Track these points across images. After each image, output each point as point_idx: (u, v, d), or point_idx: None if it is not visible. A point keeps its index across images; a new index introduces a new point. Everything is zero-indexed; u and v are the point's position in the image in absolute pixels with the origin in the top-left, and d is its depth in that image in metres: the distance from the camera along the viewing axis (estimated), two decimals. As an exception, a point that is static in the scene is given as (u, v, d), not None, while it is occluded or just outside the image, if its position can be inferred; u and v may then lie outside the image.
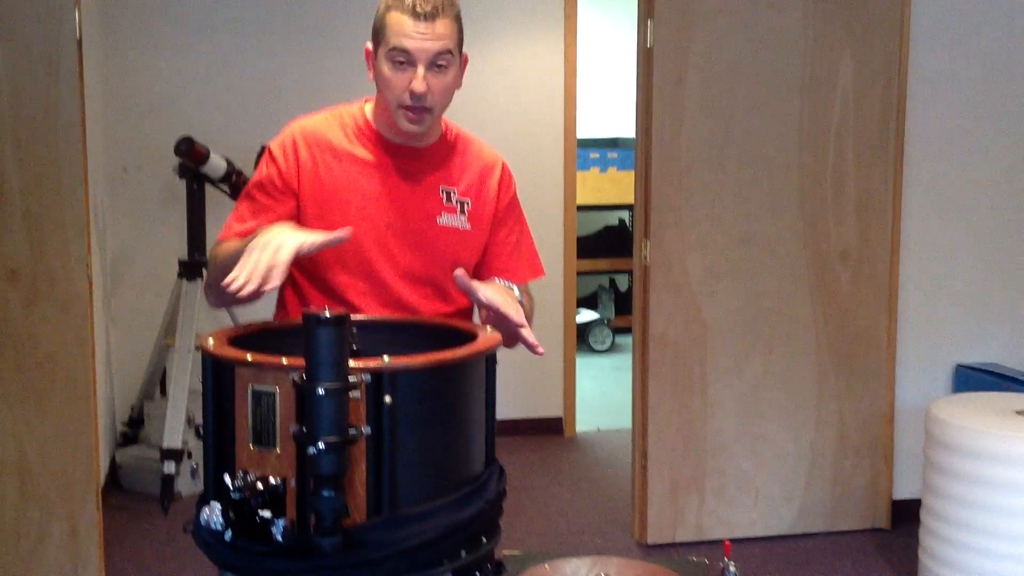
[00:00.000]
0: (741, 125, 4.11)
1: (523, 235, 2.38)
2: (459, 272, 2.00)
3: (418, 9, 2.06)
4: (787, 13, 4.07)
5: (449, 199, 2.26)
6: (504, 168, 2.35)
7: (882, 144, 4.20)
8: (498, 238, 2.32)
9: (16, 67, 3.55)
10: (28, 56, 3.55)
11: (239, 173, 4.87)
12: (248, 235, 2.12)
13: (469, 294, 2.01)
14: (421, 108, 2.12)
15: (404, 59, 2.09)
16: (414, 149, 2.25)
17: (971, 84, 4.34)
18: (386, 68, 2.12)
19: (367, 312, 2.16)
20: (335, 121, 2.26)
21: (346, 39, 5.23)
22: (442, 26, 2.08)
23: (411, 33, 2.07)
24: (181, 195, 4.93)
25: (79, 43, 3.60)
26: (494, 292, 2.01)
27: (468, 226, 2.27)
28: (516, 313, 1.98)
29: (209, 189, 4.89)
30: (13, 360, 3.61)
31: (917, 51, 4.24)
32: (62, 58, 3.56)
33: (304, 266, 2.21)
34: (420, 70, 2.09)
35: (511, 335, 1.98)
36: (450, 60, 2.13)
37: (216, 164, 4.79)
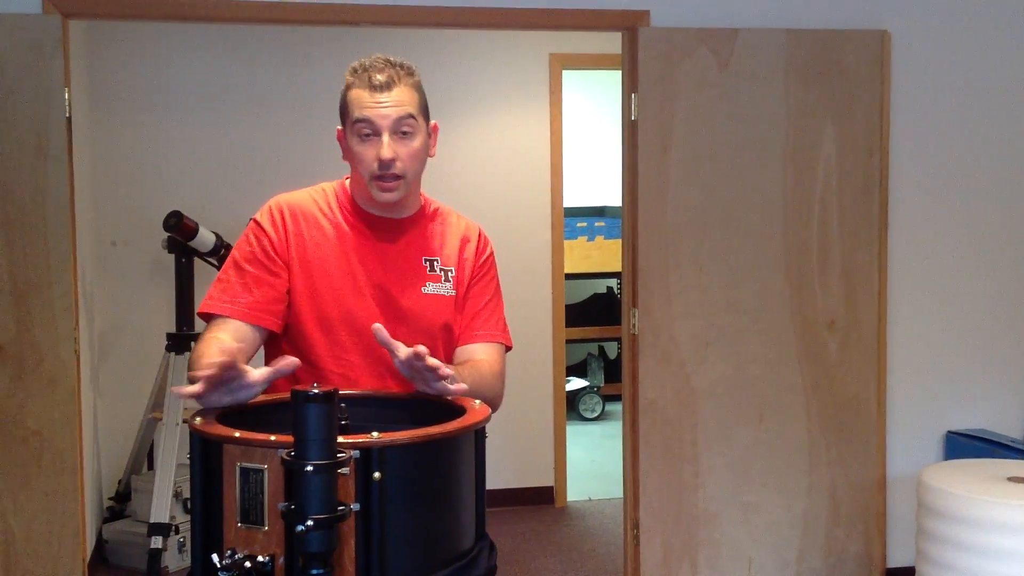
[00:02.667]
0: (726, 195, 4.15)
1: (495, 300, 2.38)
2: (377, 325, 1.98)
3: (373, 81, 2.14)
4: (768, 85, 4.13)
5: (432, 268, 2.29)
6: (481, 233, 2.39)
7: (866, 213, 4.24)
8: (470, 294, 2.33)
9: (6, 145, 3.58)
10: (18, 134, 3.58)
11: (228, 247, 4.88)
12: (249, 310, 2.14)
13: (387, 348, 1.97)
14: (392, 176, 2.16)
15: (369, 130, 2.15)
16: (395, 221, 2.28)
17: (952, 153, 4.39)
18: (354, 142, 2.18)
19: (360, 382, 2.16)
20: (318, 196, 2.29)
21: (331, 113, 5.28)
22: (399, 93, 2.15)
23: (370, 104, 2.14)
24: (169, 269, 4.94)
25: (68, 121, 3.63)
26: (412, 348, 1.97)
27: (453, 292, 2.30)
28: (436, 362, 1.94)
29: (197, 263, 4.90)
30: (-1, 436, 3.59)
31: (898, 122, 4.29)
32: (51, 136, 3.59)
33: (294, 342, 2.21)
34: (385, 137, 2.14)
35: (425, 383, 1.96)
36: (414, 125, 2.17)
37: (205, 238, 4.80)
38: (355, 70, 2.19)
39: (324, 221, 2.25)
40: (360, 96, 2.15)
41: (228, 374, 1.76)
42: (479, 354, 2.29)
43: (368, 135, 2.15)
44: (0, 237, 3.58)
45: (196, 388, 1.75)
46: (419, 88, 2.21)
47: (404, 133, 2.16)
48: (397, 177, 2.17)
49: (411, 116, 2.16)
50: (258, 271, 2.19)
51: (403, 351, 1.94)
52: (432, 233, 2.32)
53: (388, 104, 2.13)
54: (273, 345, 2.25)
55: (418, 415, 1.89)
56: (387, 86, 2.14)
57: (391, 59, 2.18)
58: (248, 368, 1.80)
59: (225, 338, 2.08)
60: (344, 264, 2.22)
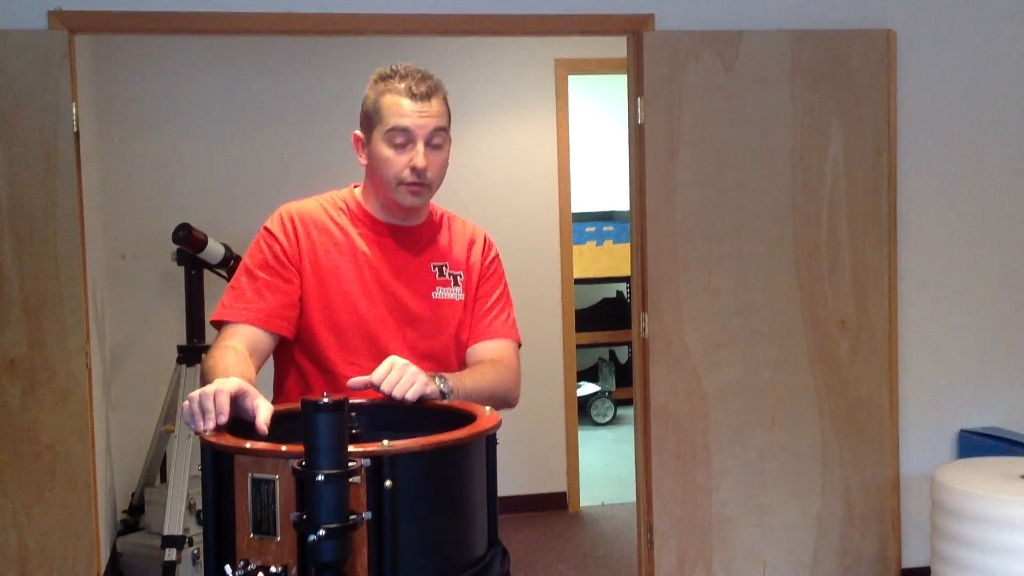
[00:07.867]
0: (734, 197, 4.14)
1: (503, 298, 2.40)
2: (352, 381, 1.98)
3: (414, 90, 2.17)
4: (775, 87, 4.13)
5: (442, 273, 2.32)
6: (486, 237, 2.43)
7: (875, 213, 4.23)
8: (479, 295, 2.37)
9: (15, 161, 3.59)
10: (27, 150, 3.59)
11: (237, 258, 4.89)
12: (261, 315, 2.15)
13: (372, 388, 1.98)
14: (421, 183, 2.19)
15: (404, 139, 2.17)
16: (405, 229, 2.31)
17: (960, 151, 4.38)
18: (385, 149, 2.19)
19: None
20: (327, 204, 2.31)
21: (338, 123, 5.30)
22: (436, 105, 2.19)
23: (409, 112, 2.16)
24: (179, 281, 4.94)
25: (76, 136, 3.64)
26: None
27: (462, 296, 2.33)
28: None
29: (207, 275, 4.91)
30: (12, 450, 3.60)
31: (905, 121, 4.28)
32: (60, 151, 3.60)
33: (307, 348, 2.23)
34: (420, 146, 2.17)
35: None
36: (444, 138, 2.22)
37: (214, 250, 4.81)
38: (386, 77, 2.20)
39: (334, 228, 2.26)
40: (397, 103, 2.17)
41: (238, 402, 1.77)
42: (491, 352, 2.31)
43: (402, 144, 2.18)
44: (10, 252, 3.59)
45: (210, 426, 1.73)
46: (447, 101, 2.25)
47: (436, 145, 2.20)
48: (425, 184, 2.20)
49: (445, 129, 2.21)
50: (270, 277, 2.20)
51: (362, 381, 1.97)
52: (441, 239, 2.35)
53: (427, 114, 2.17)
54: (285, 352, 2.26)
55: (429, 422, 1.89)
56: (427, 96, 2.17)
57: (423, 70, 2.21)
58: (255, 392, 1.80)
59: (238, 346, 2.09)
60: (355, 270, 2.24)
